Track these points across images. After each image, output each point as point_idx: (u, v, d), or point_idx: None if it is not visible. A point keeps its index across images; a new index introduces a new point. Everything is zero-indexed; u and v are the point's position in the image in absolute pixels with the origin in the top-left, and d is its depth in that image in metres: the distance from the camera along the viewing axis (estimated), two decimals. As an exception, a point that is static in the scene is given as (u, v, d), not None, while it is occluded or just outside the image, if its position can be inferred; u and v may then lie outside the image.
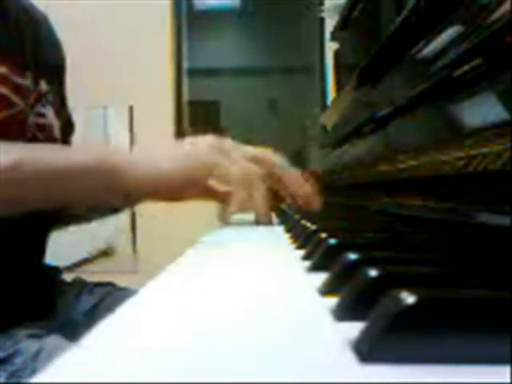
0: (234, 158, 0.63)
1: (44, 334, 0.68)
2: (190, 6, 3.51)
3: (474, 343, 0.17)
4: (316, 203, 0.69)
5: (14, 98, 0.71)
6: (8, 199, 0.59)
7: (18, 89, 0.71)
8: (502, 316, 0.17)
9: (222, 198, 0.64)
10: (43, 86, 0.77)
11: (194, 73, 3.28)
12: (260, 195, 0.64)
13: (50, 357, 0.59)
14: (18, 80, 0.72)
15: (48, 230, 0.85)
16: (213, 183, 0.64)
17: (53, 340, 0.66)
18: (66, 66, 0.91)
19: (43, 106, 0.77)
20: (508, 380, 0.16)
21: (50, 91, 0.79)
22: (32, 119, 0.73)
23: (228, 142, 0.66)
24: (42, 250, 0.84)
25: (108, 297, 0.87)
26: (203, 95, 3.41)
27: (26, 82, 0.74)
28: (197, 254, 0.44)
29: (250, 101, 3.63)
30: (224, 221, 0.66)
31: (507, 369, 0.16)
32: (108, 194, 0.63)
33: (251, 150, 0.67)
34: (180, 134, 3.37)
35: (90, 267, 2.88)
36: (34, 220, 0.74)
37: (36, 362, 0.61)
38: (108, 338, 0.20)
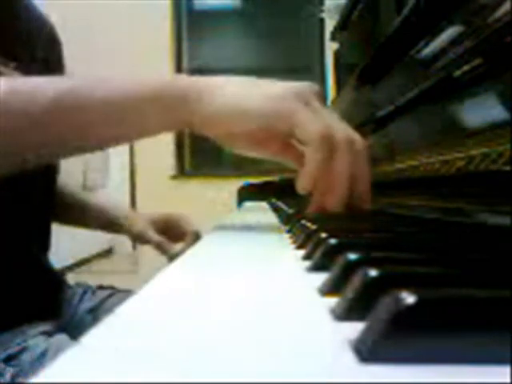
0: (319, 110, 0.50)
1: (51, 332, 0.69)
2: (190, 6, 3.50)
3: (473, 343, 0.17)
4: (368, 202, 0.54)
5: None
6: (43, 139, 0.51)
7: None
8: (502, 316, 0.17)
9: (298, 161, 0.51)
10: None
11: (194, 73, 3.27)
12: (361, 164, 0.49)
13: (56, 356, 0.59)
14: None
15: (50, 219, 0.85)
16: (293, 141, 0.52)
17: (59, 339, 0.67)
18: None
19: None
20: (508, 380, 0.16)
21: None
22: None
23: (313, 94, 0.52)
24: (45, 244, 0.84)
25: (110, 298, 0.88)
26: (203, 95, 3.40)
27: None
28: (196, 253, 0.44)
29: (250, 101, 3.62)
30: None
31: (507, 369, 0.16)
32: (171, 127, 0.54)
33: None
34: (180, 134, 3.37)
35: (90, 267, 2.88)
36: (37, 207, 0.76)
37: (42, 360, 0.62)
38: (108, 338, 0.20)
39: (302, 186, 0.52)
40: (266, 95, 0.51)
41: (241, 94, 0.52)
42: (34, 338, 0.66)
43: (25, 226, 0.76)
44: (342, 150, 0.49)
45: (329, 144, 0.49)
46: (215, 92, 0.52)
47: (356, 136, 0.51)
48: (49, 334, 0.68)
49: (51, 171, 0.83)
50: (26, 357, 0.63)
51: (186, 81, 0.54)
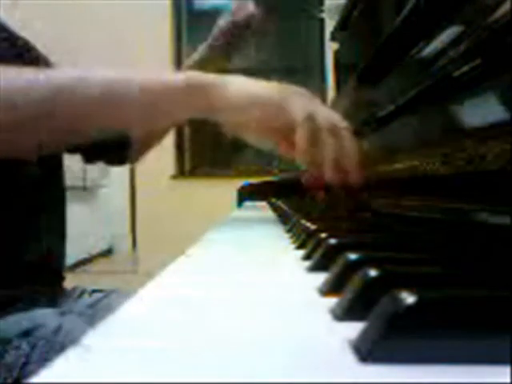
0: (310, 100, 0.61)
1: (62, 312, 0.74)
2: (190, 6, 3.50)
3: (473, 343, 0.17)
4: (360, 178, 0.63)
5: None
6: (63, 125, 0.57)
7: None
8: (502, 316, 0.17)
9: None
10: None
11: (193, 73, 3.27)
12: (350, 148, 0.60)
13: (69, 334, 0.67)
14: None
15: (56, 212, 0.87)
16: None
17: (71, 318, 0.73)
18: None
19: None
20: (508, 380, 0.16)
21: None
22: None
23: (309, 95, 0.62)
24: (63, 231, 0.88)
25: (107, 297, 0.89)
26: (203, 95, 3.41)
27: None
28: (197, 254, 0.44)
29: (250, 101, 3.63)
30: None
31: (507, 369, 0.16)
32: (192, 112, 0.62)
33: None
34: (180, 134, 3.37)
35: (90, 267, 2.88)
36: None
37: (56, 337, 0.67)
38: (108, 338, 0.20)
39: (299, 160, 0.60)
40: (270, 87, 0.61)
41: (251, 87, 0.61)
42: (47, 317, 0.71)
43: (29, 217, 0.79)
44: (325, 129, 0.60)
45: (312, 123, 0.59)
46: (229, 85, 0.61)
47: (339, 119, 0.62)
48: (61, 313, 0.73)
49: (50, 169, 0.85)
50: (40, 333, 0.67)
51: (196, 75, 0.62)
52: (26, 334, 0.67)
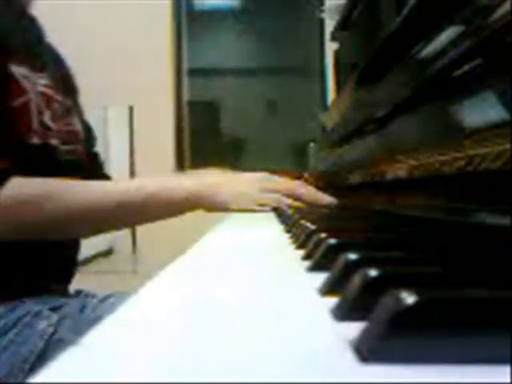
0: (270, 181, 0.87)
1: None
2: (190, 6, 3.50)
3: (474, 343, 0.17)
4: (324, 198, 0.86)
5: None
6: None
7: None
8: (502, 316, 0.17)
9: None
10: (68, 101, 0.94)
11: (194, 73, 3.28)
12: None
13: (93, 311, 0.75)
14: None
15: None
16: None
17: (92, 300, 0.81)
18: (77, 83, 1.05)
19: (71, 116, 0.94)
20: (508, 380, 0.16)
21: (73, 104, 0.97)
22: (62, 127, 0.89)
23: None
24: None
25: (109, 298, 0.90)
26: (203, 95, 3.41)
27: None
28: (196, 254, 0.44)
29: (250, 101, 3.63)
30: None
31: (507, 369, 0.16)
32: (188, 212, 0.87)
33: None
34: (180, 133, 3.37)
35: (90, 267, 2.88)
36: None
37: (82, 312, 0.75)
38: (108, 338, 0.20)
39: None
40: (246, 188, 0.86)
41: (233, 192, 0.84)
42: (71, 298, 0.81)
43: None
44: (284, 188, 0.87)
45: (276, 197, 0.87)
46: (220, 194, 0.84)
47: (291, 183, 0.89)
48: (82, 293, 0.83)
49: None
50: (67, 309, 0.75)
51: (198, 188, 0.84)
52: (55, 309, 0.75)
